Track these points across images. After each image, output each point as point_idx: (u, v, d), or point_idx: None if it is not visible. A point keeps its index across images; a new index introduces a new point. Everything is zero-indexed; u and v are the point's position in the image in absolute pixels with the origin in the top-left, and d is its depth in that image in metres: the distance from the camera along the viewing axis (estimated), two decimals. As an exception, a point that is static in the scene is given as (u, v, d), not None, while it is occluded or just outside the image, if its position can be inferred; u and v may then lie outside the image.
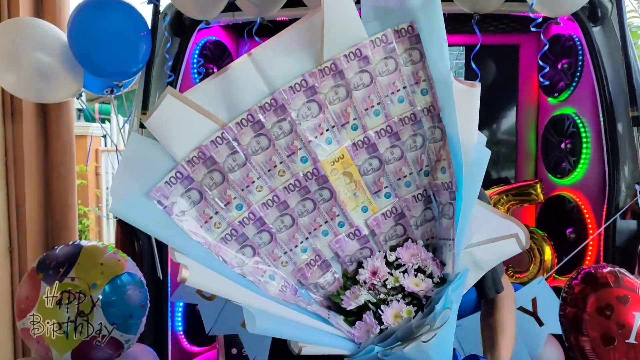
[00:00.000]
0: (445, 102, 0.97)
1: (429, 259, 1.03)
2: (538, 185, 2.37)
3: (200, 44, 2.53)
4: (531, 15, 1.99)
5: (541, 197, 2.38)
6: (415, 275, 1.01)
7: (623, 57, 2.09)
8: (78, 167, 2.84)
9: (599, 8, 2.16)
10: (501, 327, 1.26)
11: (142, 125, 2.17)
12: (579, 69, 2.30)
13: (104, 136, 6.59)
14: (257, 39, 2.05)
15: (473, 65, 2.12)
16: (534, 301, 2.09)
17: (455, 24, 2.55)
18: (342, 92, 0.97)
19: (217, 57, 2.62)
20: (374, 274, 1.03)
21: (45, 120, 2.53)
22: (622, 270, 1.62)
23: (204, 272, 0.93)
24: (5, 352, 2.49)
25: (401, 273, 1.01)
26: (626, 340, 1.53)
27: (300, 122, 0.97)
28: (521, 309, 2.09)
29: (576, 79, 2.33)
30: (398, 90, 0.99)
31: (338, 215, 1.04)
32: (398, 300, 0.99)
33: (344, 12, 0.92)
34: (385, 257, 1.05)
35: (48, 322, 1.64)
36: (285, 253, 1.04)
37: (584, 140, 2.29)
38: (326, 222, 1.04)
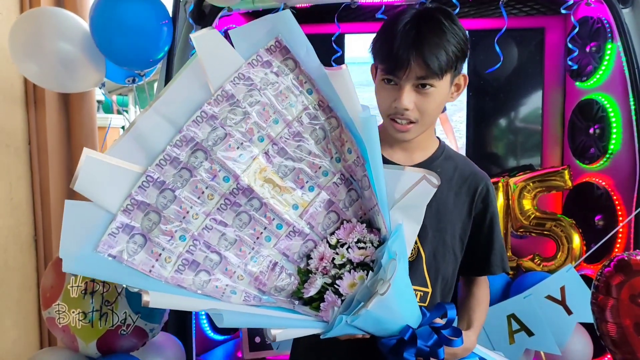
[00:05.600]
0: (328, 92, 1.09)
1: (364, 230, 1.13)
2: (566, 172, 2.32)
3: (221, 32, 2.50)
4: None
5: (569, 183, 2.33)
6: (358, 248, 1.10)
7: (654, 39, 2.04)
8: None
9: (629, -11, 2.10)
10: (478, 300, 1.39)
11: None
12: (608, 51, 2.24)
13: (123, 127, 6.64)
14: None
15: (497, 48, 2.08)
16: (562, 290, 2.06)
17: (480, 8, 2.52)
18: (239, 112, 1.08)
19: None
20: (322, 259, 1.13)
21: (68, 108, 2.53)
22: (656, 257, 1.58)
23: (164, 295, 1.01)
24: (32, 340, 2.52)
25: (345, 249, 1.11)
26: (660, 329, 1.49)
27: (212, 148, 1.07)
28: (549, 297, 2.06)
29: (605, 62, 2.26)
30: (287, 97, 1.11)
31: (274, 219, 1.13)
32: (349, 272, 1.07)
33: (217, 46, 1.05)
34: (328, 242, 1.15)
35: (73, 312, 1.64)
36: (239, 267, 1.12)
37: (613, 124, 2.23)
38: (265, 228, 1.13)
